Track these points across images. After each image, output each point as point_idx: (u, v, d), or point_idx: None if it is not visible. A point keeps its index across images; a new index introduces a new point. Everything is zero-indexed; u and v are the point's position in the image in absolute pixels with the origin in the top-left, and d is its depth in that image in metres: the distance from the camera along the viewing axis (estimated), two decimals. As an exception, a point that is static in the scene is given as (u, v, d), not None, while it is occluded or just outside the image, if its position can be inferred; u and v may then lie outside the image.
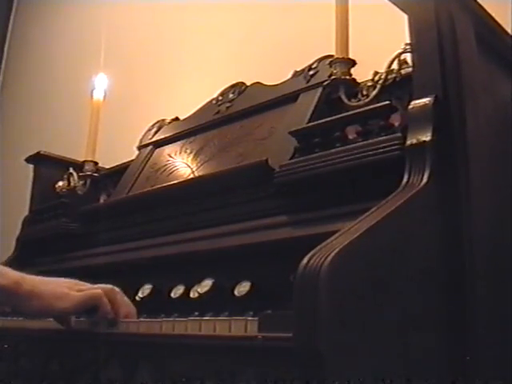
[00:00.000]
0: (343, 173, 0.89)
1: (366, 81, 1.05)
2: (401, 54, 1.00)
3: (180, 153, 1.36)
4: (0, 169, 2.69)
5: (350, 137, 0.93)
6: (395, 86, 1.01)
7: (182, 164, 1.32)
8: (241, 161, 1.14)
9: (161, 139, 1.47)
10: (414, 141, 0.80)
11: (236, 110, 1.30)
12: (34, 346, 1.11)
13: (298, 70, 1.23)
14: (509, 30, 1.05)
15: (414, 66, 0.88)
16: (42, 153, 1.70)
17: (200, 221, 1.10)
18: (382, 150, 0.85)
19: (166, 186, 1.25)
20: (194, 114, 1.43)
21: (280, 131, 1.11)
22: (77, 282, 0.94)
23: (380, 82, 1.02)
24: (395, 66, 1.02)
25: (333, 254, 0.63)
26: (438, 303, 0.74)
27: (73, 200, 1.52)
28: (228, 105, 1.33)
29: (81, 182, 1.57)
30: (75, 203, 1.48)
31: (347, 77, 1.04)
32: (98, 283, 0.94)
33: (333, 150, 0.91)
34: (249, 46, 1.85)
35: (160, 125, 1.53)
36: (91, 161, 1.55)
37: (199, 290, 0.95)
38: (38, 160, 1.72)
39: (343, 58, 1.03)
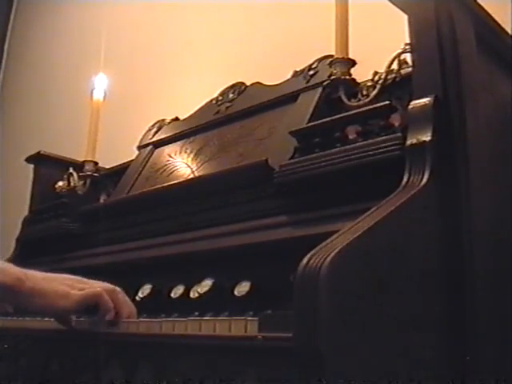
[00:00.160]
0: (343, 173, 0.89)
1: (366, 81, 1.05)
2: (401, 54, 1.00)
3: (180, 153, 1.36)
4: (0, 169, 2.69)
5: (350, 137, 0.93)
6: (395, 86, 1.01)
7: (182, 164, 1.32)
8: (241, 161, 1.14)
9: (161, 139, 1.47)
10: (414, 141, 0.80)
11: (236, 109, 1.30)
12: (34, 346, 1.11)
13: (298, 70, 1.23)
14: (509, 30, 1.05)
15: (413, 66, 0.88)
16: (42, 153, 1.70)
17: (200, 221, 1.10)
18: (381, 150, 0.85)
19: (165, 186, 1.25)
20: (194, 113, 1.43)
21: (280, 131, 1.11)
22: (80, 279, 0.94)
23: (380, 82, 1.02)
24: (395, 66, 1.02)
25: (333, 254, 0.63)
26: (438, 303, 0.74)
27: (73, 200, 1.51)
28: (228, 105, 1.33)
29: (81, 182, 1.57)
30: (75, 203, 1.48)
31: (347, 77, 1.04)
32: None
33: (333, 150, 0.91)
34: (249, 46, 1.85)
35: (160, 125, 1.53)
36: (91, 161, 1.55)
37: (199, 290, 0.95)
38: (38, 160, 1.72)
39: (343, 58, 1.03)
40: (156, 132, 1.52)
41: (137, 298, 1.04)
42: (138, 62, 2.24)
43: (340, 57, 1.04)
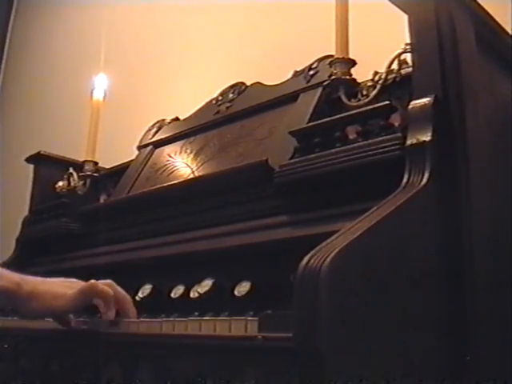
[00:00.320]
0: (343, 173, 0.89)
1: (366, 81, 1.05)
2: (401, 54, 1.00)
3: (180, 153, 1.36)
4: (0, 169, 2.69)
5: (350, 137, 0.93)
6: (395, 86, 1.01)
7: (182, 164, 1.32)
8: (241, 161, 1.14)
9: (161, 139, 1.47)
10: (414, 141, 0.80)
11: (236, 110, 1.30)
12: (34, 345, 1.11)
13: (298, 70, 1.23)
14: (509, 30, 1.05)
15: (413, 66, 0.88)
16: (42, 153, 1.70)
17: (200, 221, 1.10)
18: (382, 150, 0.85)
19: (165, 186, 1.25)
20: (194, 113, 1.43)
21: (280, 131, 1.11)
22: (76, 280, 0.94)
23: (380, 82, 1.02)
24: (395, 66, 1.02)
25: (333, 253, 0.63)
26: (438, 303, 0.74)
27: (73, 200, 1.51)
28: (228, 105, 1.33)
29: (81, 182, 1.57)
30: (75, 203, 1.48)
31: (347, 77, 1.04)
32: (98, 282, 0.94)
33: (333, 150, 0.91)
34: (249, 46, 1.85)
35: (160, 125, 1.53)
36: (91, 161, 1.55)
37: (199, 290, 0.95)
38: (38, 160, 1.72)
39: (343, 58, 1.03)
40: (156, 132, 1.52)
41: (137, 297, 1.04)
42: (137, 62, 2.25)
43: (340, 57, 1.04)
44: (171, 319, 0.86)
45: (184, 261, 1.08)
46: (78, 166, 1.60)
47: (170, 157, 1.38)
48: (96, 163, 1.56)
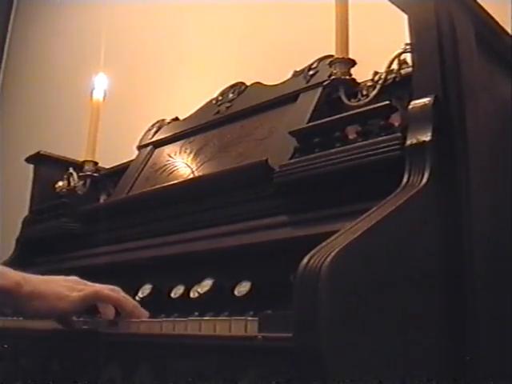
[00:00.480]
0: (343, 173, 0.89)
1: (366, 81, 1.05)
2: (401, 54, 1.00)
3: (180, 153, 1.36)
4: (0, 169, 2.69)
5: (350, 137, 0.93)
6: (395, 86, 1.01)
7: (182, 164, 1.32)
8: (241, 161, 1.14)
9: (161, 139, 1.47)
10: (414, 141, 0.80)
11: (236, 110, 1.30)
12: (34, 345, 1.11)
13: (298, 70, 1.23)
14: (509, 30, 1.05)
15: (413, 66, 0.88)
16: (42, 153, 1.70)
17: (200, 221, 1.10)
18: (381, 150, 0.85)
19: (165, 186, 1.25)
20: (194, 113, 1.43)
21: (280, 131, 1.11)
22: (78, 280, 0.94)
23: (380, 82, 1.02)
24: (395, 66, 1.02)
25: (333, 253, 0.63)
26: (437, 303, 0.74)
27: (73, 200, 1.52)
28: (228, 105, 1.33)
29: (81, 182, 1.57)
30: (75, 203, 1.48)
31: (347, 77, 1.04)
32: (98, 283, 0.94)
33: (333, 150, 0.91)
34: (249, 46, 1.85)
35: (160, 125, 1.53)
36: (91, 161, 1.55)
37: (199, 289, 0.95)
38: (38, 160, 1.72)
39: (343, 58, 1.03)
40: (156, 132, 1.52)
41: (137, 297, 1.04)
42: (137, 62, 2.25)
43: (340, 57, 1.04)
44: (171, 319, 0.86)
45: (184, 261, 1.08)
46: (78, 166, 1.60)
47: (170, 157, 1.38)
48: (96, 163, 1.56)
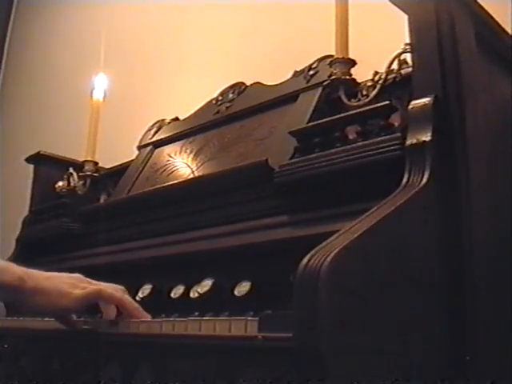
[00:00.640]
0: (343, 173, 0.89)
1: (366, 81, 1.05)
2: (401, 54, 1.00)
3: (180, 153, 1.36)
4: (0, 169, 2.69)
5: (350, 137, 0.93)
6: (395, 86, 1.01)
7: (182, 164, 1.32)
8: (241, 161, 1.14)
9: (161, 139, 1.47)
10: (414, 141, 0.80)
11: (236, 110, 1.30)
12: (34, 345, 1.11)
13: (298, 70, 1.22)
14: (509, 30, 1.05)
15: (413, 66, 0.88)
16: (41, 153, 1.70)
17: (200, 221, 1.10)
18: (381, 150, 0.85)
19: (165, 186, 1.25)
20: (194, 113, 1.43)
21: (280, 131, 1.11)
22: (81, 277, 0.94)
23: (380, 82, 1.02)
24: (395, 66, 1.02)
25: (333, 253, 0.63)
26: (437, 303, 0.74)
27: (73, 200, 1.52)
28: (228, 105, 1.33)
29: (81, 182, 1.57)
30: (75, 203, 1.48)
31: (347, 77, 1.04)
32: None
33: (333, 150, 0.91)
34: (249, 46, 1.85)
35: (160, 125, 1.53)
36: (91, 161, 1.55)
37: (199, 289, 0.95)
38: (38, 160, 1.72)
39: (343, 58, 1.03)
40: (156, 132, 1.52)
41: (137, 297, 1.04)
42: (137, 62, 2.24)
43: (340, 57, 1.04)
44: (171, 319, 0.86)
45: (184, 261, 1.08)
46: (78, 166, 1.60)
47: (170, 157, 1.38)
48: (96, 163, 1.56)
